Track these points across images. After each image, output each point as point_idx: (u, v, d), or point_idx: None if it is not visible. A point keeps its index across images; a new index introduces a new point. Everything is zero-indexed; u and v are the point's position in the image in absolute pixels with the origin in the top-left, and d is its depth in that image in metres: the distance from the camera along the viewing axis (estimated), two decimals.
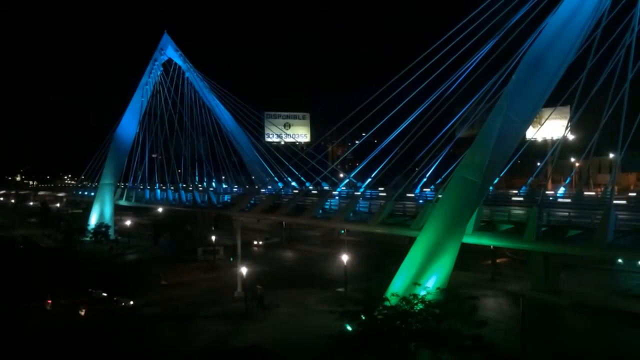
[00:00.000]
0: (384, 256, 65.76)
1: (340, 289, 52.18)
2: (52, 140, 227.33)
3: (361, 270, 58.67)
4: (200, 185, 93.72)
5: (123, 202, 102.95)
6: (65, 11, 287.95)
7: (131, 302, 47.86)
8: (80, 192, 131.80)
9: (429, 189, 51.38)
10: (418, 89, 46.02)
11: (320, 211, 54.35)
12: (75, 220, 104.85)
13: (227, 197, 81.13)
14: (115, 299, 48.01)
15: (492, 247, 55.17)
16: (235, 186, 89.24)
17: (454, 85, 43.97)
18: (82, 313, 44.00)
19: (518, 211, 39.40)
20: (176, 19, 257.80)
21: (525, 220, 36.04)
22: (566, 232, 36.00)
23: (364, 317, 28.08)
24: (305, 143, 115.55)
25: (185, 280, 59.90)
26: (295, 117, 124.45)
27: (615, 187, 40.32)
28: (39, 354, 35.44)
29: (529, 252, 52.97)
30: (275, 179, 76.15)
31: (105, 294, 49.10)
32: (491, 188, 41.97)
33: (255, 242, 69.66)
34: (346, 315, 29.01)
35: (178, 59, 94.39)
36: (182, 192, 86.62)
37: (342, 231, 76.92)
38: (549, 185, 55.76)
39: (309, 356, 31.33)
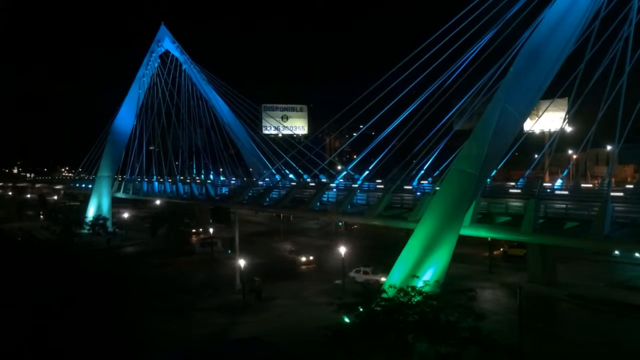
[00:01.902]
0: (382, 248, 66.00)
1: (338, 281, 52.27)
2: (49, 132, 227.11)
3: (359, 262, 58.75)
4: (197, 178, 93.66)
5: (121, 195, 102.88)
6: (62, 2, 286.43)
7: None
8: (77, 185, 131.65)
9: (426, 182, 51.39)
10: (416, 81, 46.02)
11: (318, 203, 54.33)
12: (72, 213, 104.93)
13: (224, 190, 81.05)
14: None
15: (489, 239, 55.30)
16: (233, 178, 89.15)
17: (452, 78, 43.93)
18: None
19: (515, 203, 39.42)
20: (174, 11, 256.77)
21: (523, 212, 36.10)
22: (563, 224, 36.05)
23: (361, 309, 28.17)
24: (303, 135, 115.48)
25: (183, 272, 60.00)
26: (293, 110, 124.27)
27: (613, 180, 40.29)
28: None
29: (526, 244, 53.25)
30: (273, 171, 76.14)
31: None
32: (489, 180, 42.00)
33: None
34: (344, 307, 29.11)
35: (175, 51, 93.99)
36: (180, 185, 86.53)
37: (340, 223, 77.11)
38: (547, 177, 55.90)
39: (307, 348, 31.40)
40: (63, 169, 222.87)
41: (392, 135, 49.73)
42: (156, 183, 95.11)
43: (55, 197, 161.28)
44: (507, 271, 56.52)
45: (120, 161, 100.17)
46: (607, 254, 58.73)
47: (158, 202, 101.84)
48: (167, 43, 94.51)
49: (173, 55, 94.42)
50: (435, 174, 50.63)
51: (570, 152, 76.19)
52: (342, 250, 53.83)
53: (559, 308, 45.09)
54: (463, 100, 46.63)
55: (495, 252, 62.12)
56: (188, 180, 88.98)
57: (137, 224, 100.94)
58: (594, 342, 35.32)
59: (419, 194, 46.25)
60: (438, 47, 43.40)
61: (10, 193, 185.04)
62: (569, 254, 57.34)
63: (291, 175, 74.70)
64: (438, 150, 46.33)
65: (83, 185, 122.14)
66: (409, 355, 24.70)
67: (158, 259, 66.85)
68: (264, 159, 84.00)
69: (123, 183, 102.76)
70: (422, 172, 49.90)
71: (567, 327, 39.55)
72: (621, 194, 38.78)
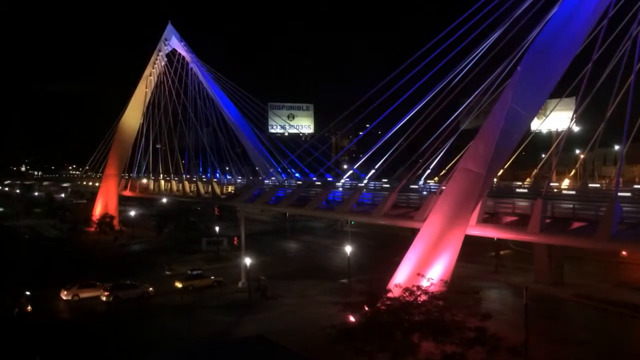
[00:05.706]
0: (388, 248, 65.90)
1: (343, 280, 52.25)
2: (57, 130, 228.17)
3: (364, 261, 58.71)
4: (204, 176, 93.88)
5: (127, 193, 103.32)
6: (70, 0, 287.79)
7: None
8: (84, 183, 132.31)
9: (432, 181, 51.21)
10: (423, 80, 45.72)
11: (324, 202, 54.25)
12: (79, 211, 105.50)
13: (230, 188, 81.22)
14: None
15: (495, 239, 55.06)
16: (239, 177, 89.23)
17: (459, 76, 43.71)
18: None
19: (522, 203, 39.21)
20: (181, 10, 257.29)
21: (530, 212, 35.90)
22: (570, 224, 35.85)
23: (367, 309, 28.12)
24: (309, 134, 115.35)
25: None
26: (299, 108, 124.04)
27: (620, 179, 39.97)
28: None
29: (532, 244, 52.98)
30: (279, 170, 76.17)
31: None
32: (495, 180, 41.80)
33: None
34: (349, 306, 29.05)
35: (182, 49, 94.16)
36: (186, 183, 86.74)
37: (352, 222, 76.33)
38: (554, 177, 55.52)
39: (312, 347, 31.42)
40: (70, 167, 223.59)
41: (398, 134, 49.55)
42: (162, 181, 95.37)
43: (63, 195, 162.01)
44: (513, 271, 56.30)
45: (127, 159, 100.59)
46: (615, 255, 58.34)
47: (164, 200, 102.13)
48: (174, 42, 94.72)
49: (180, 54, 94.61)
50: (442, 173, 50.41)
51: (577, 151, 75.68)
52: (348, 249, 53.84)
53: (566, 308, 44.87)
54: (470, 99, 46.32)
55: (501, 252, 61.95)
56: (194, 179, 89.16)
57: (144, 222, 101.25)
58: (600, 343, 35.12)
59: (425, 193, 46.08)
60: (445, 45, 43.19)
61: (18, 191, 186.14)
62: (575, 254, 57.07)
63: (297, 174, 74.67)
64: (444, 150, 46.05)
65: (90, 184, 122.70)
66: (415, 355, 24.61)
67: (164, 257, 66.99)
68: (270, 157, 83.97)
69: (130, 181, 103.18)
70: (429, 171, 49.71)
71: (573, 328, 39.33)
72: (629, 194, 38.49)
